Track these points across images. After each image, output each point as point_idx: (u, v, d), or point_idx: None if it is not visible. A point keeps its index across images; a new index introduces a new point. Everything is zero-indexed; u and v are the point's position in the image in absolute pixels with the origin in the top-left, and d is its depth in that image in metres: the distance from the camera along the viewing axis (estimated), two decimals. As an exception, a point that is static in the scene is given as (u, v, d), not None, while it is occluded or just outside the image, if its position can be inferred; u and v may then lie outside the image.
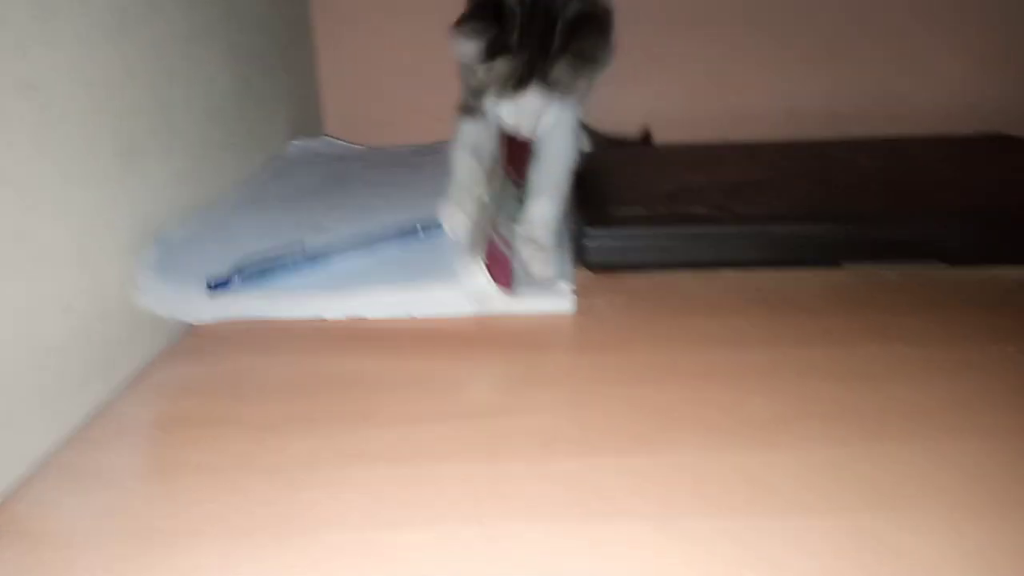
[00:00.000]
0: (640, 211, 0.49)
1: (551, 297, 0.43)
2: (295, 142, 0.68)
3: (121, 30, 0.39)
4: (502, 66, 0.49)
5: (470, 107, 0.54)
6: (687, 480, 0.28)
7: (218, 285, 0.42)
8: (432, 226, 0.47)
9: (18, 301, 0.31)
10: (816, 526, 0.26)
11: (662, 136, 0.70)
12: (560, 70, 0.49)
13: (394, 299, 0.43)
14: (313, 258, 0.44)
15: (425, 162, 0.65)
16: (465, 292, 0.42)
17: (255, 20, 0.60)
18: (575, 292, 0.44)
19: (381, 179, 0.61)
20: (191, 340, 0.41)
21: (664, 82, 0.74)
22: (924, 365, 0.36)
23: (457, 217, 0.47)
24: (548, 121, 0.52)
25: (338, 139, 0.73)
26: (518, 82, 0.49)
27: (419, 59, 0.73)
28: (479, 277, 0.42)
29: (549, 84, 0.49)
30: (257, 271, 0.43)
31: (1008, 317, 0.41)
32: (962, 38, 0.73)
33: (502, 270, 0.44)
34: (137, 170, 0.41)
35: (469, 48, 0.49)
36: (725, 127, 0.69)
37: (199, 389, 0.36)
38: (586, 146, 0.62)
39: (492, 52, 0.48)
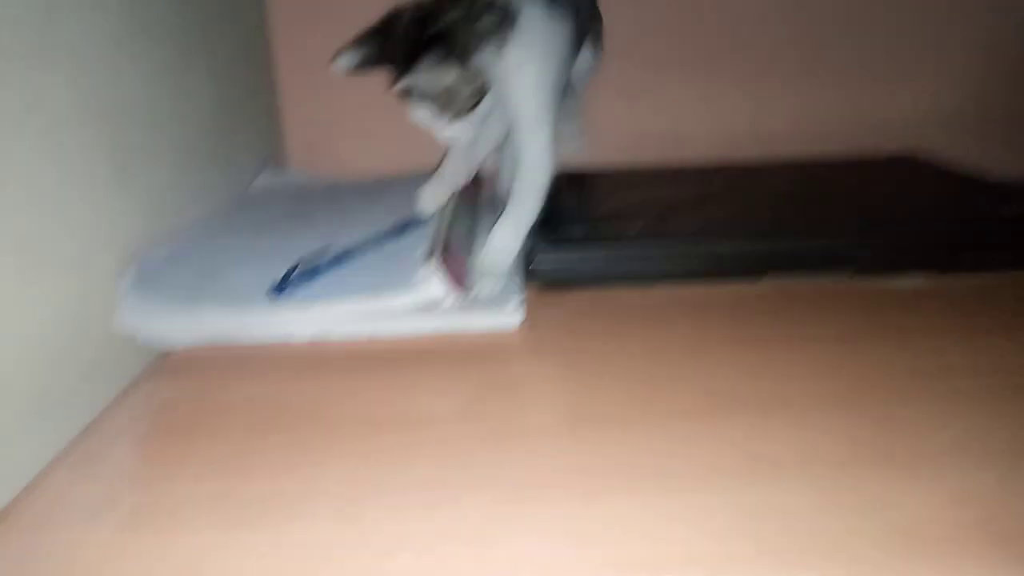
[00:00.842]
0: (582, 232, 0.53)
1: (501, 313, 0.48)
2: (264, 175, 0.71)
3: (107, 70, 0.43)
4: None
5: None
6: (617, 466, 0.33)
7: (278, 289, 0.47)
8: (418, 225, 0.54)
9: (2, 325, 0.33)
10: (726, 497, 0.30)
11: (603, 160, 0.75)
12: (414, 89, 0.50)
13: (357, 316, 0.46)
14: (341, 258, 0.50)
15: (388, 190, 0.69)
16: (423, 299, 0.46)
17: (227, 59, 0.64)
18: (523, 308, 0.48)
19: (344, 207, 0.65)
20: (168, 363, 0.45)
21: (603, 109, 0.80)
22: (825, 360, 0.41)
23: (428, 197, 0.53)
24: (459, 134, 0.53)
25: (304, 171, 0.76)
26: (398, 96, 0.51)
27: (380, 92, 0.77)
28: (435, 279, 0.46)
29: (418, 101, 0.51)
30: (306, 272, 0.48)
31: (899, 319, 0.46)
32: (876, 67, 0.80)
33: (456, 273, 0.48)
34: (118, 200, 0.44)
35: (344, 62, 0.52)
36: (661, 150, 0.74)
37: (176, 410, 0.40)
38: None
39: (373, 65, 0.51)
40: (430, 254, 0.48)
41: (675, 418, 0.36)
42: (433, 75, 0.49)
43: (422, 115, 0.52)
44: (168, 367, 0.44)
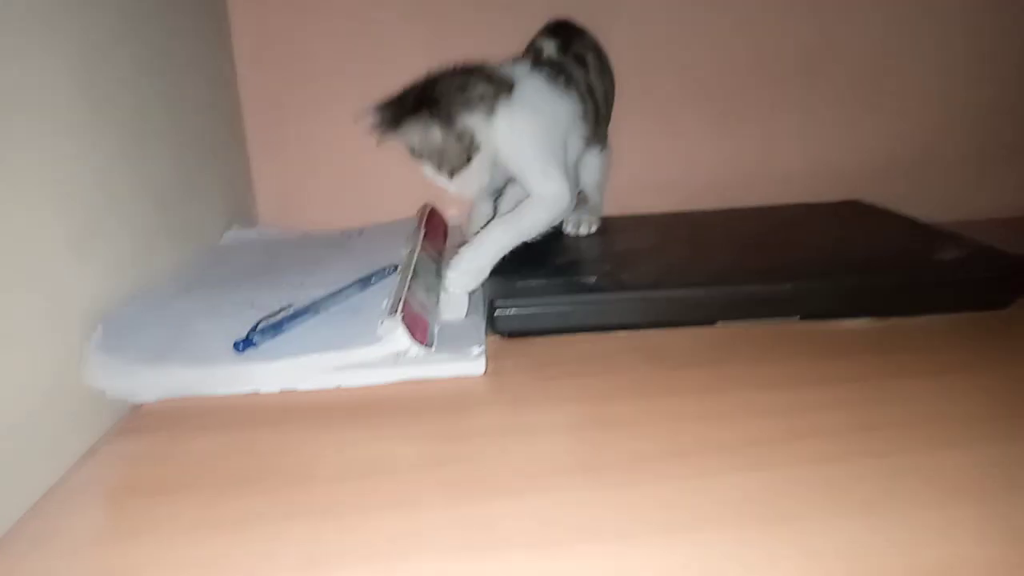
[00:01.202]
0: (541, 282, 0.55)
1: (465, 361, 0.49)
2: (230, 232, 0.73)
3: (73, 130, 0.45)
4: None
5: None
6: (579, 513, 0.34)
7: (243, 344, 0.47)
8: (383, 275, 0.58)
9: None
10: (675, 541, 0.32)
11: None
12: (410, 147, 0.57)
13: (323, 368, 0.48)
14: (306, 312, 0.51)
15: (353, 243, 0.71)
16: (387, 351, 0.48)
17: (194, 117, 0.66)
18: (486, 356, 0.50)
19: (312, 260, 0.66)
20: (135, 418, 0.45)
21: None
22: (767, 406, 0.43)
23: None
24: (460, 192, 0.60)
25: (270, 227, 0.78)
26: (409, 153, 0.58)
27: (346, 148, 0.80)
28: (398, 333, 0.47)
29: (415, 157, 0.58)
30: (270, 327, 0.49)
31: (842, 362, 0.49)
32: (826, 118, 0.84)
33: (419, 328, 0.50)
34: (85, 257, 0.45)
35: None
36: (621, 202, 0.77)
37: (144, 464, 0.40)
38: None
39: (385, 126, 0.56)
40: (393, 308, 0.49)
41: (639, 462, 0.38)
42: (421, 135, 0.56)
43: (428, 172, 0.59)
44: (136, 421, 0.45)
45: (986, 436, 0.39)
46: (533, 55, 0.63)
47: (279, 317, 0.50)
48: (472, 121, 0.56)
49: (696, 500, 0.35)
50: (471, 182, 0.59)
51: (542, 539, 0.32)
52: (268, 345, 0.49)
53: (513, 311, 0.53)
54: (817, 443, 0.39)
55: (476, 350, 0.50)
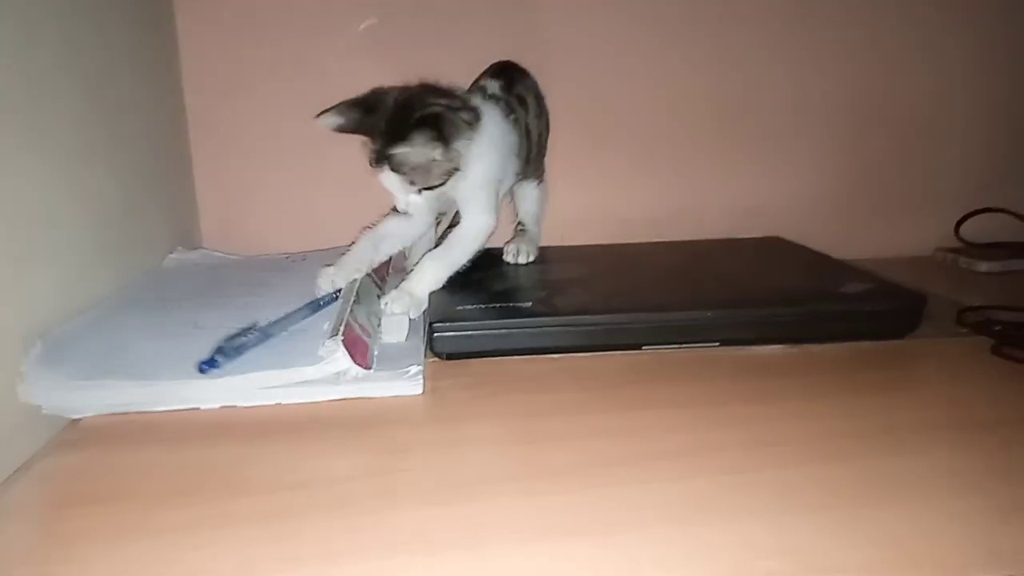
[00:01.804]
0: (479, 306, 0.58)
1: (403, 381, 0.51)
2: (173, 254, 0.73)
3: (15, 151, 0.46)
4: (366, 145, 0.60)
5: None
6: (508, 523, 0.36)
7: (207, 364, 0.48)
8: (330, 300, 0.60)
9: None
10: (593, 544, 0.34)
11: (503, 242, 0.80)
12: (396, 157, 0.58)
13: (265, 386, 0.49)
14: (265, 333, 0.53)
15: (295, 267, 0.72)
16: (327, 371, 0.49)
17: (138, 140, 0.67)
18: (425, 376, 0.52)
19: (256, 282, 0.68)
20: (72, 433, 0.46)
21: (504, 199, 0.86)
22: (684, 423, 0.46)
23: (325, 277, 0.60)
24: (417, 203, 0.61)
25: (214, 251, 0.79)
26: (373, 160, 0.59)
27: (289, 174, 0.81)
28: (338, 355, 0.49)
29: (394, 168, 0.59)
30: (232, 348, 0.50)
31: (755, 384, 0.53)
32: (747, 162, 0.90)
33: (360, 351, 0.52)
34: (25, 276, 0.46)
35: (330, 120, 0.59)
36: (558, 233, 0.81)
37: (79, 478, 0.41)
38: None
39: (352, 130, 0.59)
40: (335, 330, 0.51)
41: (567, 473, 0.41)
42: (423, 150, 0.58)
43: (390, 182, 0.60)
44: (73, 436, 0.46)
45: (875, 451, 0.43)
46: (479, 93, 0.67)
47: (242, 339, 0.51)
48: (461, 144, 0.59)
49: (613, 507, 0.37)
50: (432, 200, 0.61)
51: (469, 543, 0.35)
52: (229, 366, 0.50)
53: (451, 333, 0.56)
54: (726, 456, 0.42)
55: (414, 370, 0.52)
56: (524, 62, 0.73)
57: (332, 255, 0.73)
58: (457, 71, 0.69)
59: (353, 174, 0.64)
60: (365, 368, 0.51)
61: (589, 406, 0.49)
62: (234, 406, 0.49)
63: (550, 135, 0.76)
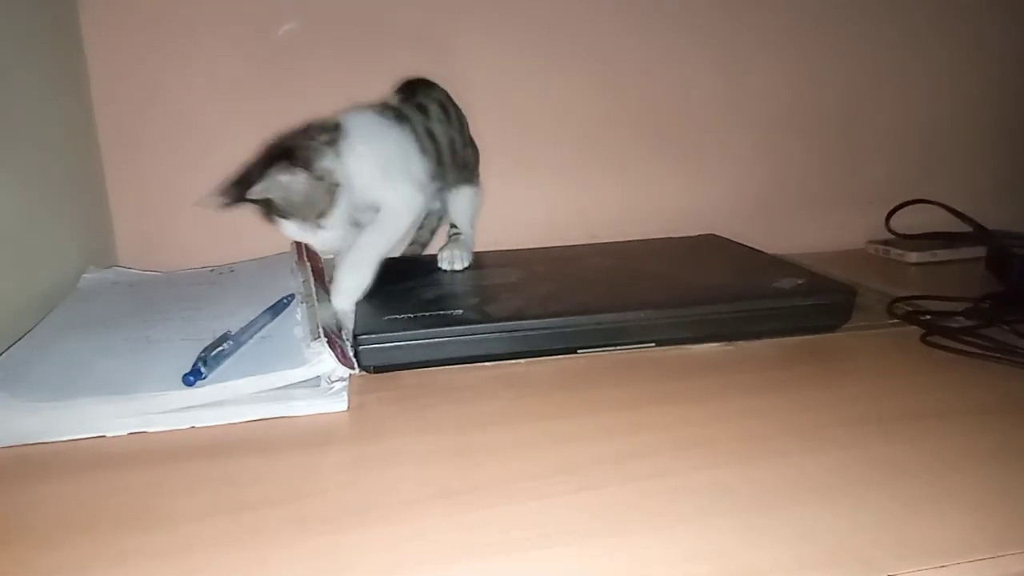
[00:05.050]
0: (407, 316, 0.56)
1: (326, 398, 0.49)
2: (87, 274, 0.69)
3: None
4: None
5: None
6: (436, 540, 0.34)
7: (192, 376, 0.47)
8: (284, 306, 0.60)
9: None
10: (523, 559, 0.33)
11: (433, 247, 0.78)
12: (273, 202, 0.58)
13: (248, 392, 0.48)
14: (239, 341, 0.52)
15: (224, 279, 0.69)
16: (314, 373, 0.49)
17: (42, 155, 0.63)
18: (347, 392, 0.50)
19: (192, 296, 0.65)
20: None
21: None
22: (619, 427, 0.45)
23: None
24: (330, 239, 0.60)
25: (129, 268, 0.75)
26: (261, 213, 0.59)
27: (208, 188, 0.78)
28: (325, 355, 0.49)
29: (282, 215, 0.58)
30: (212, 357, 0.49)
31: (692, 383, 0.52)
32: (683, 161, 0.90)
33: (339, 351, 0.51)
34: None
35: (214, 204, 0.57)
36: (492, 237, 0.79)
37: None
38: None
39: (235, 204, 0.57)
40: (315, 333, 0.51)
41: (494, 486, 0.39)
42: (285, 185, 0.57)
43: (291, 230, 0.59)
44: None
45: (809, 447, 0.42)
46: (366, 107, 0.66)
47: (220, 348, 0.50)
48: (327, 162, 0.58)
49: (544, 519, 0.36)
50: (338, 225, 0.60)
51: (386, 566, 0.33)
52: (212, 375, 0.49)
53: (378, 345, 0.54)
54: (660, 459, 0.41)
55: (337, 386, 0.50)
56: (446, 74, 0.73)
57: (261, 264, 0.71)
58: (377, 82, 0.69)
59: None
60: (349, 368, 0.50)
61: (522, 415, 0.48)
62: (144, 432, 0.46)
63: (481, 141, 0.75)
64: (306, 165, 0.57)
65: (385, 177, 0.62)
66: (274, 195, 0.57)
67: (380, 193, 0.62)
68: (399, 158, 0.64)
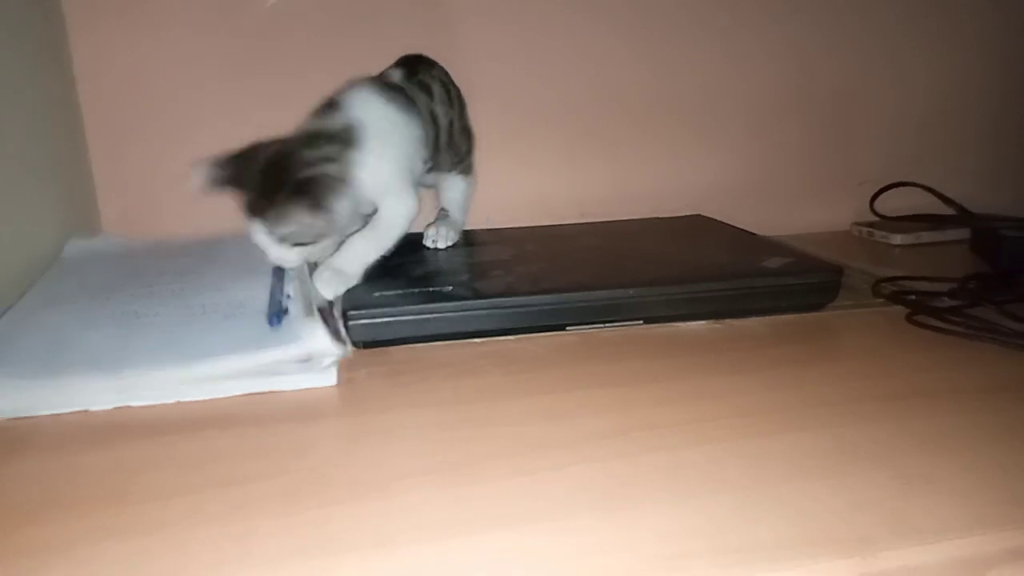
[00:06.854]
0: (397, 292, 0.56)
1: (315, 373, 0.48)
2: (72, 242, 0.68)
3: None
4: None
5: None
6: (408, 513, 0.34)
7: (277, 318, 0.51)
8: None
9: None
10: (510, 535, 0.33)
11: (424, 224, 0.78)
12: (271, 218, 0.54)
13: (234, 369, 0.47)
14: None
15: (214, 251, 0.68)
16: (306, 351, 0.48)
17: (21, 122, 0.61)
18: (339, 366, 0.49)
19: (176, 270, 0.64)
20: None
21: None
22: (608, 404, 0.45)
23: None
24: (290, 258, 0.57)
25: (115, 236, 0.73)
26: (247, 214, 0.55)
27: (194, 155, 0.77)
28: (319, 334, 0.49)
29: (268, 226, 0.55)
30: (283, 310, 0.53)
31: (680, 361, 0.52)
32: (672, 143, 0.90)
33: (332, 328, 0.51)
34: None
35: (201, 176, 0.56)
36: (488, 215, 0.79)
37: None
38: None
39: (221, 182, 0.56)
40: (309, 310, 0.51)
41: (484, 461, 0.39)
42: (300, 225, 0.55)
43: (261, 240, 0.56)
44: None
45: (797, 425, 0.43)
46: (380, 80, 0.64)
47: (280, 300, 0.54)
48: (340, 204, 0.56)
49: (534, 494, 0.36)
50: (301, 256, 0.58)
51: (375, 540, 0.32)
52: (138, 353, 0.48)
53: (367, 321, 0.53)
54: (650, 436, 0.41)
55: (327, 360, 0.49)
56: (443, 52, 0.71)
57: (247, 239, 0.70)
58: (369, 60, 0.67)
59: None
60: (341, 344, 0.50)
61: (511, 391, 0.48)
62: (128, 406, 0.45)
63: (473, 120, 0.74)
64: (326, 207, 0.54)
65: (395, 186, 0.60)
66: (285, 229, 0.55)
67: (382, 200, 0.60)
68: (408, 159, 0.62)
